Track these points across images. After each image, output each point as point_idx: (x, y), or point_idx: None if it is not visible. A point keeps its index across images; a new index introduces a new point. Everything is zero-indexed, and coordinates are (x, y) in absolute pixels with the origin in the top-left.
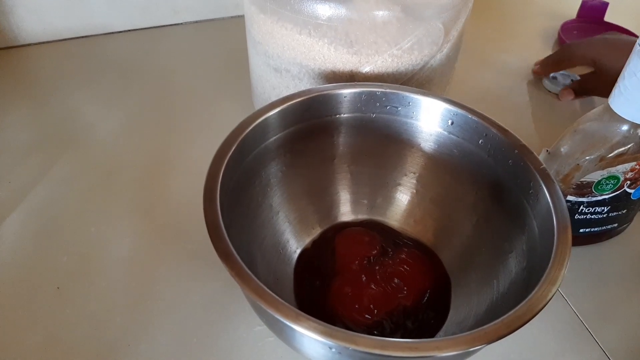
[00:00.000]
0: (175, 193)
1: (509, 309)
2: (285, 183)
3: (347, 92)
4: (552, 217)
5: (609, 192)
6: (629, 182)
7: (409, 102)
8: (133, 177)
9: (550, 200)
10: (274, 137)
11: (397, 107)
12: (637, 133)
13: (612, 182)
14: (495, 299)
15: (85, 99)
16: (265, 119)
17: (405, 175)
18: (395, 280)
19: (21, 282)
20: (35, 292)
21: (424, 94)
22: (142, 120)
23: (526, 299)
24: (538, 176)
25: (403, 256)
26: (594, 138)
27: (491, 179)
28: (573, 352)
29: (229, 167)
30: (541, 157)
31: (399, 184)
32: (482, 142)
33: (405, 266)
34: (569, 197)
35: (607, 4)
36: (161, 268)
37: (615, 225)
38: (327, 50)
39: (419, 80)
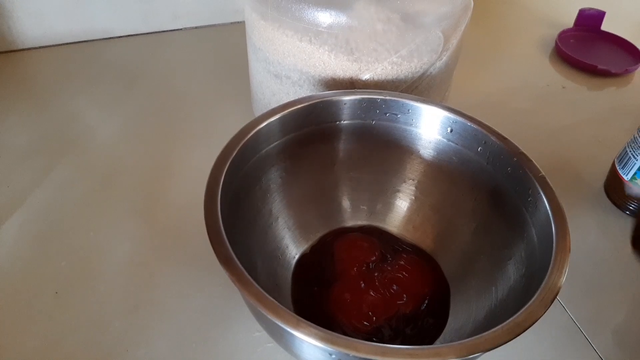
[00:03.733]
0: (175, 198)
1: (508, 315)
2: (285, 189)
3: (347, 99)
4: (551, 224)
5: None
6: None
7: (408, 110)
8: (133, 182)
9: (549, 207)
10: (274, 144)
11: (396, 114)
12: None
13: None
14: (494, 306)
15: (85, 103)
16: (266, 125)
17: (405, 181)
18: (394, 287)
19: (20, 287)
20: (34, 297)
21: (423, 101)
22: (142, 125)
23: (525, 306)
24: (537, 184)
25: (402, 262)
26: None
27: (490, 186)
28: (570, 359)
29: (229, 172)
30: None
31: (399, 190)
32: (481, 150)
33: (404, 272)
34: None
35: (604, 13)
36: (160, 273)
37: None
38: (327, 58)
39: (418, 87)
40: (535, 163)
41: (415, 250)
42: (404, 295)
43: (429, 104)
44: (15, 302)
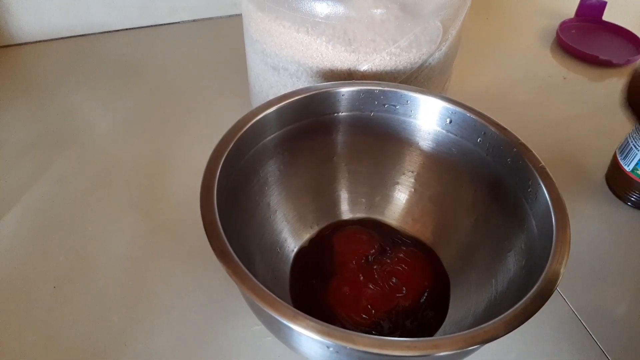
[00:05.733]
0: (173, 191)
1: (507, 307)
2: (283, 182)
3: (345, 90)
4: (551, 216)
5: None
6: None
7: (407, 101)
8: (130, 176)
9: (549, 198)
10: (272, 136)
11: (395, 106)
12: None
13: None
14: (494, 298)
15: (83, 97)
16: (263, 117)
17: (404, 173)
18: (394, 280)
19: (18, 281)
20: (32, 292)
21: (422, 92)
22: (140, 119)
23: (525, 298)
24: (537, 174)
25: (401, 255)
26: None
27: (490, 178)
28: (571, 351)
29: (226, 165)
30: None
31: (398, 183)
32: (480, 141)
33: (403, 265)
34: None
35: (605, 3)
36: (158, 267)
37: None
38: (325, 49)
39: (417, 78)
40: (535, 153)
41: (414, 243)
42: (404, 288)
43: (427, 95)
44: (13, 296)
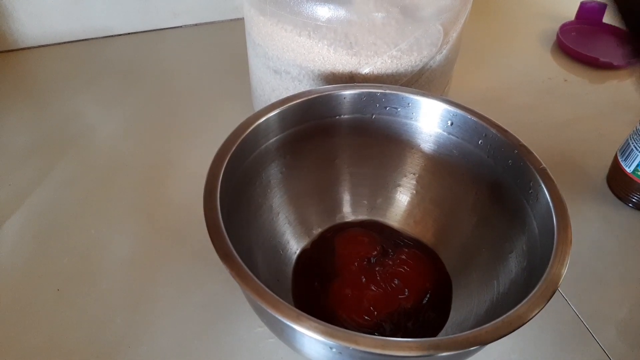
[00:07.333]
0: (176, 194)
1: (509, 308)
2: (286, 184)
3: (346, 93)
4: (552, 217)
5: None
6: None
7: (408, 103)
8: (133, 179)
9: (550, 199)
10: (274, 139)
11: (396, 108)
12: None
13: None
14: (495, 299)
15: (86, 101)
16: (265, 120)
17: (405, 176)
18: (396, 281)
19: (21, 284)
20: (36, 294)
21: (423, 95)
22: (142, 123)
23: (526, 299)
24: (538, 176)
25: (403, 257)
26: None
27: (491, 179)
28: (574, 352)
29: (229, 168)
30: None
31: (399, 185)
32: (481, 143)
33: (405, 267)
34: None
35: (605, 5)
36: (161, 269)
37: None
38: (326, 52)
39: (418, 81)
40: (536, 155)
41: (416, 245)
42: (406, 290)
43: (428, 98)
44: (17, 299)
